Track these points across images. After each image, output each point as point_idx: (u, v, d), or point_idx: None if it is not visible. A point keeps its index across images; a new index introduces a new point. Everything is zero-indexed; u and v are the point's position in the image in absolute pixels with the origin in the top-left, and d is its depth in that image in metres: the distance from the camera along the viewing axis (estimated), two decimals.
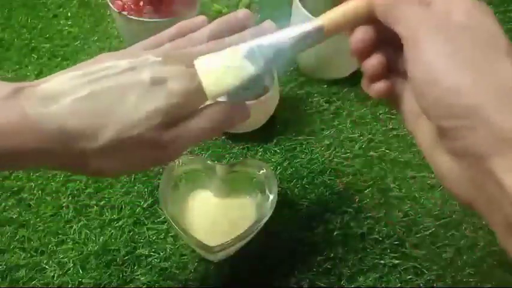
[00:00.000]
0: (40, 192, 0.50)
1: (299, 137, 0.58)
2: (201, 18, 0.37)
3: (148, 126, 0.30)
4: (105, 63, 0.32)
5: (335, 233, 0.50)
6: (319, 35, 0.31)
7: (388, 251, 0.49)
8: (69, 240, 0.47)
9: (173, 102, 0.31)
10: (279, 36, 0.31)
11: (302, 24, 0.31)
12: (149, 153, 0.32)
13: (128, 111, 0.30)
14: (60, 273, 0.45)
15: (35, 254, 0.46)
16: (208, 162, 0.49)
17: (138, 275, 0.45)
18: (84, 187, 0.51)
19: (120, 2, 0.56)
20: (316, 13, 0.57)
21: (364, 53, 0.31)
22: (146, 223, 0.49)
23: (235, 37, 0.35)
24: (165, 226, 0.49)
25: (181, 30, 0.36)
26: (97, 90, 0.30)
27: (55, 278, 0.45)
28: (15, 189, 0.50)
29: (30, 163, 0.32)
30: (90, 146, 0.30)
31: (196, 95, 0.32)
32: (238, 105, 0.34)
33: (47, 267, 0.45)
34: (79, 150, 0.30)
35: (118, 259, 0.46)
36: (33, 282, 0.44)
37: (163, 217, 0.49)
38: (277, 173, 0.54)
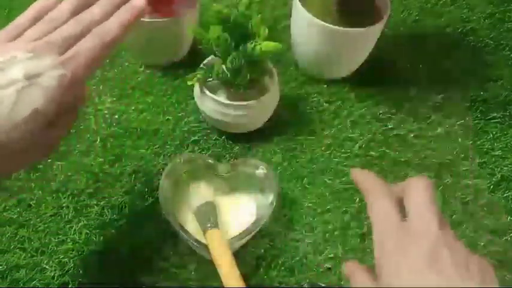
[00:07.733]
0: (40, 192, 0.50)
1: (299, 137, 0.58)
2: None
3: (29, 129, 0.29)
4: None
5: (335, 233, 0.50)
6: None
7: None
8: (69, 240, 0.47)
9: (53, 99, 0.30)
10: None
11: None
12: (34, 154, 0.32)
13: (4, 117, 0.29)
14: (60, 273, 0.45)
15: (35, 254, 0.46)
16: (209, 161, 0.49)
17: (138, 275, 0.45)
18: (84, 187, 0.51)
19: None
20: (316, 13, 0.57)
21: None
22: (146, 223, 0.49)
23: (96, 11, 0.34)
24: (165, 226, 0.49)
25: (39, 12, 0.34)
26: None
27: (55, 278, 0.45)
28: (15, 189, 0.50)
29: None
30: None
31: (74, 83, 0.31)
32: None
33: (47, 267, 0.45)
34: None
35: (118, 259, 0.46)
36: (33, 283, 0.44)
37: (163, 217, 0.49)
38: (277, 173, 0.54)
